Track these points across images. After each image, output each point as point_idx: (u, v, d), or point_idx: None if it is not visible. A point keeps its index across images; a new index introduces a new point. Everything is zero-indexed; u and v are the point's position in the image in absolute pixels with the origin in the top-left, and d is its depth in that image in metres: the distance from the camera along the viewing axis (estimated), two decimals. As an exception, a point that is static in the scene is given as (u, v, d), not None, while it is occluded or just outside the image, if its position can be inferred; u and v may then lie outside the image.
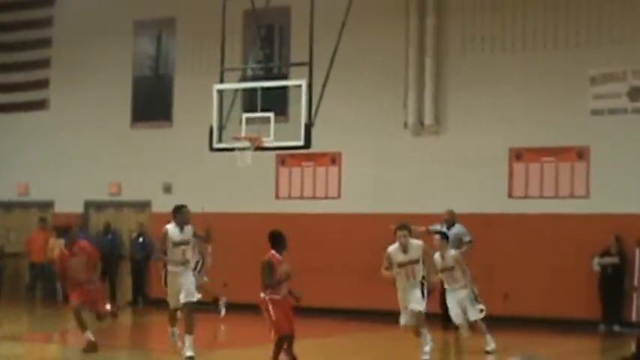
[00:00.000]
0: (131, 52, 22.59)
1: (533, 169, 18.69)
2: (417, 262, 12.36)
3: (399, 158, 19.68)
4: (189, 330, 12.35)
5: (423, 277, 12.47)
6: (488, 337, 13.81)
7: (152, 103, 22.37)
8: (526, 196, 18.74)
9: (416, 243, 12.50)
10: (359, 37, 18.86)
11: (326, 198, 20.39)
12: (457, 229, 16.48)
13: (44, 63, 23.58)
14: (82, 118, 22.87)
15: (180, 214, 12.83)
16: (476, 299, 13.84)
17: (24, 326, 18.44)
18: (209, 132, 16.33)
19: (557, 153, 18.51)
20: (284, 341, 11.45)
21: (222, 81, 16.69)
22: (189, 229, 12.81)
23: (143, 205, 22.35)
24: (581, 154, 18.34)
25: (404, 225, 12.62)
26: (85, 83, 22.82)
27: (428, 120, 19.35)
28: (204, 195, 20.69)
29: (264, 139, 15.96)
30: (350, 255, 19.22)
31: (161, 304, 21.09)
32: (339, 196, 20.32)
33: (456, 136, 19.27)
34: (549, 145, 18.55)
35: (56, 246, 22.80)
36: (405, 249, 12.38)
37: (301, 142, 15.79)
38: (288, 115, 17.91)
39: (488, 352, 13.68)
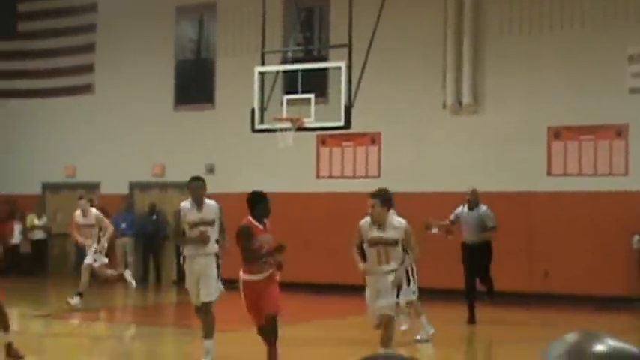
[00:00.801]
0: (173, 36, 22.92)
1: (571, 148, 18.75)
2: (394, 243, 9.76)
3: (438, 138, 19.83)
4: (207, 334, 10.46)
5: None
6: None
7: (194, 85, 22.70)
8: (565, 174, 18.83)
9: (398, 222, 9.89)
10: (397, 19, 19.02)
11: (366, 177, 20.59)
12: (481, 211, 14.94)
13: (89, 48, 24.00)
14: (126, 102, 23.25)
15: (190, 189, 10.86)
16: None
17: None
18: (250, 113, 16.59)
19: (596, 131, 18.56)
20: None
21: (263, 63, 16.92)
22: (212, 207, 10.75)
23: (186, 187, 22.67)
24: (620, 132, 18.38)
25: (376, 192, 10.01)
26: (129, 67, 23.21)
27: (466, 99, 19.48)
28: (246, 176, 21.06)
29: (305, 120, 16.19)
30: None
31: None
32: (379, 175, 20.51)
33: (495, 116, 19.37)
34: (588, 123, 18.59)
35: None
36: (380, 224, 9.78)
37: (341, 123, 16.02)
38: (328, 97, 18.14)
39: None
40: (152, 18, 22.99)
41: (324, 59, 19.32)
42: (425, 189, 19.34)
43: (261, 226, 9.79)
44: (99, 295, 20.97)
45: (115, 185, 23.45)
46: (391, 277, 9.74)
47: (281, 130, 16.29)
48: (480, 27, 19.49)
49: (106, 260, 17.46)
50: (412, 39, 19.84)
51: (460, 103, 19.55)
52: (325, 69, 17.91)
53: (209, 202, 10.73)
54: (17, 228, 23.95)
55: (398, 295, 9.84)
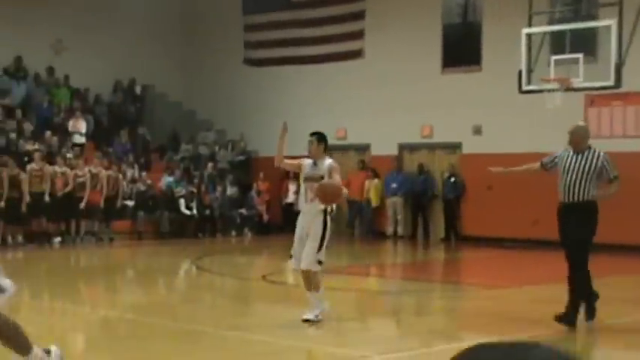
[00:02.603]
0: (441, 0, 23.35)
1: None
2: (319, 179, 10.00)
3: None
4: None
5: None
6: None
7: (461, 49, 23.07)
8: None
9: (328, 160, 10.11)
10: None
11: (636, 137, 20.23)
12: (596, 156, 9.98)
13: (359, 15, 24.85)
14: (395, 66, 23.95)
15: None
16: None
17: (345, 260, 19.83)
18: (518, 75, 16.78)
19: None
20: None
21: (530, 25, 17.05)
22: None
23: (454, 147, 23.21)
24: None
25: (314, 132, 10.44)
26: (397, 33, 23.90)
27: None
28: (513, 136, 21.24)
29: (573, 80, 16.23)
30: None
31: (472, 241, 22.00)
32: (649, 135, 20.10)
33: None
34: None
35: (372, 186, 24.31)
36: (315, 162, 10.20)
37: (611, 82, 15.94)
38: (596, 56, 17.97)
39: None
40: (420, -17, 23.50)
41: (593, 18, 19.08)
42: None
43: None
44: (368, 252, 21.93)
45: (384, 146, 24.28)
46: (320, 220, 10.10)
47: (549, 90, 16.42)
48: None
49: None
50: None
51: None
52: (594, 28, 17.77)
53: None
54: (292, 188, 25.28)
55: (320, 249, 10.12)
